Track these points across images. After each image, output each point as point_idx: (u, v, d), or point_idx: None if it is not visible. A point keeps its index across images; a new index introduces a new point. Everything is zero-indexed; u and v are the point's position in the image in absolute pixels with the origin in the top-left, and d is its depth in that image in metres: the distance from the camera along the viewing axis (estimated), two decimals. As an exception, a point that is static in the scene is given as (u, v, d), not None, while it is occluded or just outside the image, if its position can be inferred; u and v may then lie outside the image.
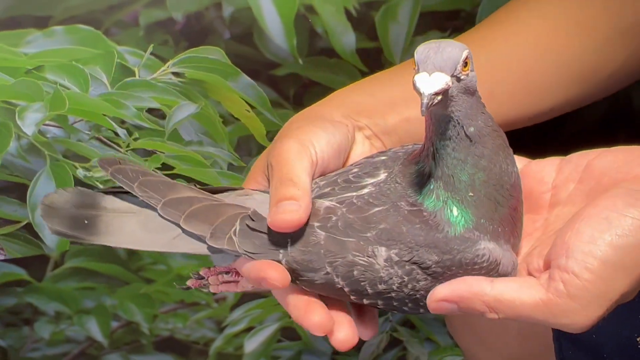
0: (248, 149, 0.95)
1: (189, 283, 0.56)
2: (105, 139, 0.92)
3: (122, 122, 0.91)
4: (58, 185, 0.94)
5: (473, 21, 0.90)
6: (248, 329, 1.11)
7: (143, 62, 0.87)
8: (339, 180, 0.53)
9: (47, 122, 0.89)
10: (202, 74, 0.89)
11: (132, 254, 1.02)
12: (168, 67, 0.88)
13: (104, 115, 0.89)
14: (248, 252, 0.50)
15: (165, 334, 1.09)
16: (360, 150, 0.58)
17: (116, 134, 0.91)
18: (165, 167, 0.95)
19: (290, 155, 0.52)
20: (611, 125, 0.92)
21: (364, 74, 0.91)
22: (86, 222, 0.50)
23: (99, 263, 1.02)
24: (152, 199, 0.50)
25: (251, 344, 1.12)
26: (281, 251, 0.51)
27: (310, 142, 0.53)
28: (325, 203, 0.52)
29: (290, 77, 0.91)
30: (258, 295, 1.08)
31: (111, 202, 0.51)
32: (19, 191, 0.94)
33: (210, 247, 0.51)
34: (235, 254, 0.51)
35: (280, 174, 0.51)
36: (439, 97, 0.47)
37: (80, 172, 0.93)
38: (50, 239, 0.97)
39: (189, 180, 0.96)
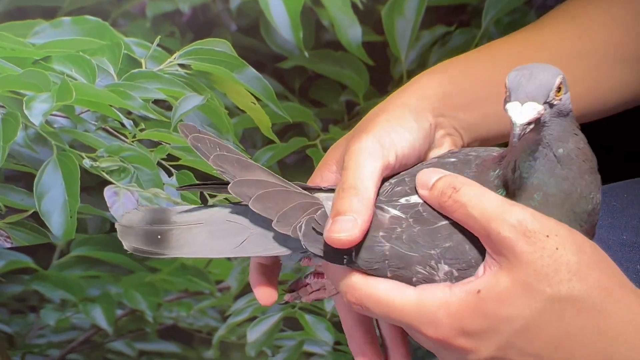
0: (253, 141, 0.94)
1: (286, 298, 0.57)
2: (111, 130, 0.91)
3: (128, 113, 0.90)
4: (65, 175, 0.93)
5: (479, 15, 0.89)
6: (251, 319, 1.10)
7: (150, 54, 0.86)
8: (406, 180, 0.52)
9: (54, 113, 0.88)
10: (208, 66, 0.87)
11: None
12: (174, 58, 0.87)
13: (111, 106, 0.89)
14: (313, 252, 0.50)
15: (169, 322, 1.08)
16: (437, 153, 0.57)
17: (122, 124, 0.90)
18: (170, 158, 0.94)
19: (363, 156, 0.51)
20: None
21: (369, 68, 0.90)
22: (159, 237, 0.50)
23: (104, 252, 1.01)
24: (226, 174, 0.50)
25: (254, 333, 1.11)
26: (345, 256, 0.50)
27: (391, 143, 0.52)
28: (390, 213, 0.50)
29: (296, 69, 0.90)
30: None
31: (181, 216, 0.51)
32: (25, 180, 0.93)
33: (279, 250, 0.51)
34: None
35: (347, 176, 0.50)
36: (532, 126, 0.46)
37: (87, 162, 0.92)
38: (56, 228, 0.97)
39: (194, 171, 0.95)
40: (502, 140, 0.60)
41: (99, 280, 1.03)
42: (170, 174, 0.95)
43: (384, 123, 0.53)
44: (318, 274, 0.56)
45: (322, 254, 0.50)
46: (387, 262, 0.49)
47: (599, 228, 0.61)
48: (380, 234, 0.50)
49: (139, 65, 0.86)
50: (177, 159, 0.94)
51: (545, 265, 0.45)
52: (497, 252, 0.47)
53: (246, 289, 1.07)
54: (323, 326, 1.12)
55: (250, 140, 0.94)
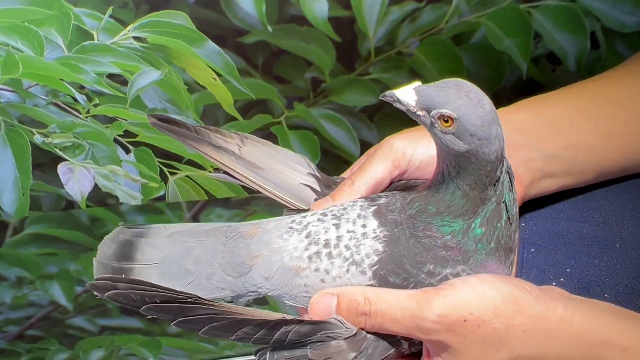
0: (215, 117, 0.88)
1: None
2: (63, 105, 0.84)
3: (81, 88, 0.82)
4: (15, 153, 0.86)
5: (451, -8, 0.82)
6: (215, 295, 1.06)
7: (102, 25, 0.79)
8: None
9: (0, 87, 0.81)
10: (166, 39, 0.80)
11: (95, 220, 0.95)
12: (129, 31, 0.79)
13: (62, 80, 0.81)
14: None
15: (131, 298, 1.04)
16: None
17: (75, 99, 0.83)
18: (127, 134, 0.87)
19: (379, 153, 0.54)
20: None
21: (336, 44, 0.84)
22: (123, 275, 0.55)
23: (60, 229, 0.96)
24: (164, 318, 0.51)
25: (218, 310, 1.07)
26: None
27: (415, 148, 0.53)
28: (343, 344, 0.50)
29: (259, 44, 0.83)
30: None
31: (143, 253, 0.56)
32: (-27, 156, 0.86)
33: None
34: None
35: (359, 169, 0.54)
36: (399, 104, 0.49)
37: (38, 139, 0.85)
38: (7, 205, 0.90)
39: (153, 148, 0.88)
40: (603, 179, 0.59)
41: (56, 257, 0.98)
42: (127, 151, 0.89)
43: (423, 130, 0.53)
44: None
45: None
46: None
47: (559, 221, 0.60)
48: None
49: (91, 37, 0.79)
50: (135, 135, 0.87)
51: (481, 346, 0.46)
52: (435, 348, 0.47)
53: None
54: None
55: (212, 117, 0.88)
